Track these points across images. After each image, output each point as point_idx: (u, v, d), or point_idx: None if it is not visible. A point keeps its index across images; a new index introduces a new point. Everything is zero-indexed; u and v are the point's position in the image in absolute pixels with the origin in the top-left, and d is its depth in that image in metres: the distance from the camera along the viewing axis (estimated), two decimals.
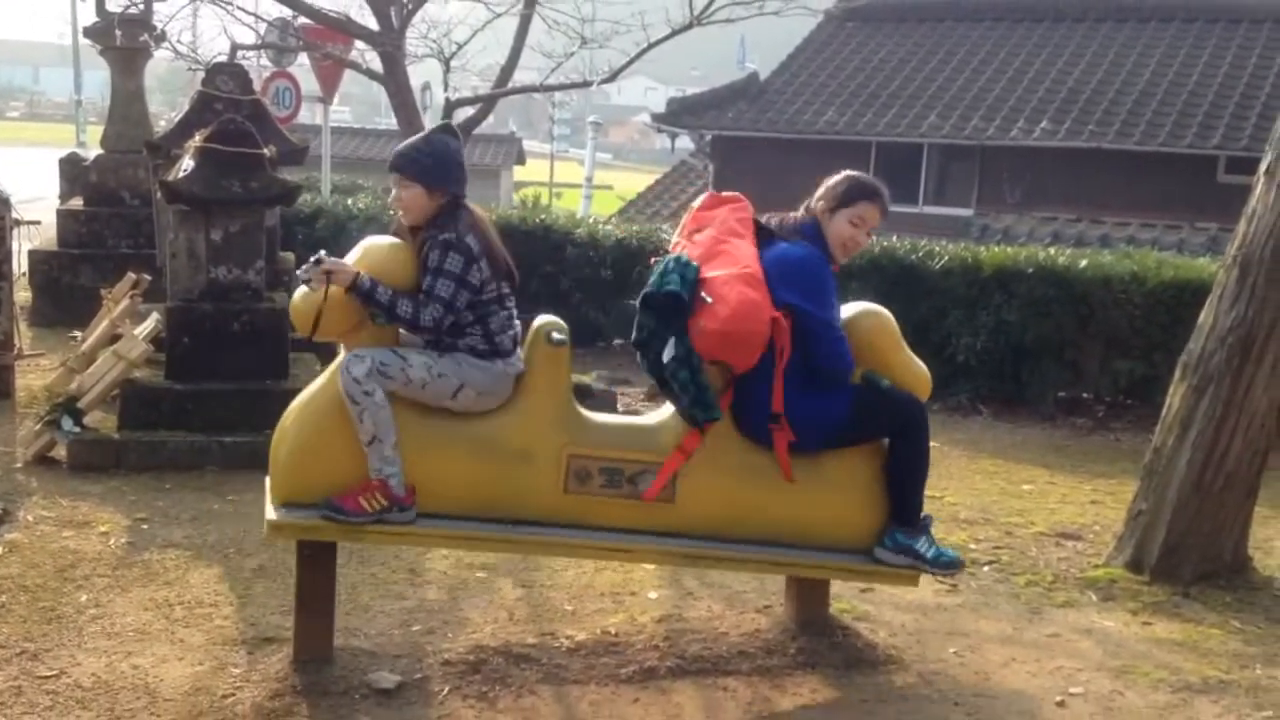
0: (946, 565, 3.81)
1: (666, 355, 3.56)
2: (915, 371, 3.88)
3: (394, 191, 3.63)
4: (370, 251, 3.58)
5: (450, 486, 3.55)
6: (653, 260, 3.80)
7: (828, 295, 3.69)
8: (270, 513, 3.52)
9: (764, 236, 3.80)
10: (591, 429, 3.69)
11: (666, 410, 3.77)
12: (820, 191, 3.84)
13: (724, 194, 3.94)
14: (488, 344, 3.57)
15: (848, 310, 3.91)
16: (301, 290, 3.49)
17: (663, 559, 3.89)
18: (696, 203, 3.95)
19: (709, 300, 3.55)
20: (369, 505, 3.43)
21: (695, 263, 3.65)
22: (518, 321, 3.69)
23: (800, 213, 3.88)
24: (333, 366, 3.58)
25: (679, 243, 3.84)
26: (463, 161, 3.70)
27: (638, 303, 3.67)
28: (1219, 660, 3.98)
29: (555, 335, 3.63)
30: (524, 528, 3.60)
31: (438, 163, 3.58)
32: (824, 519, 3.76)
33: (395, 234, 3.70)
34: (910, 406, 3.77)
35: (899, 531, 3.75)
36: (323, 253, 3.46)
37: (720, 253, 3.67)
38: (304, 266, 3.45)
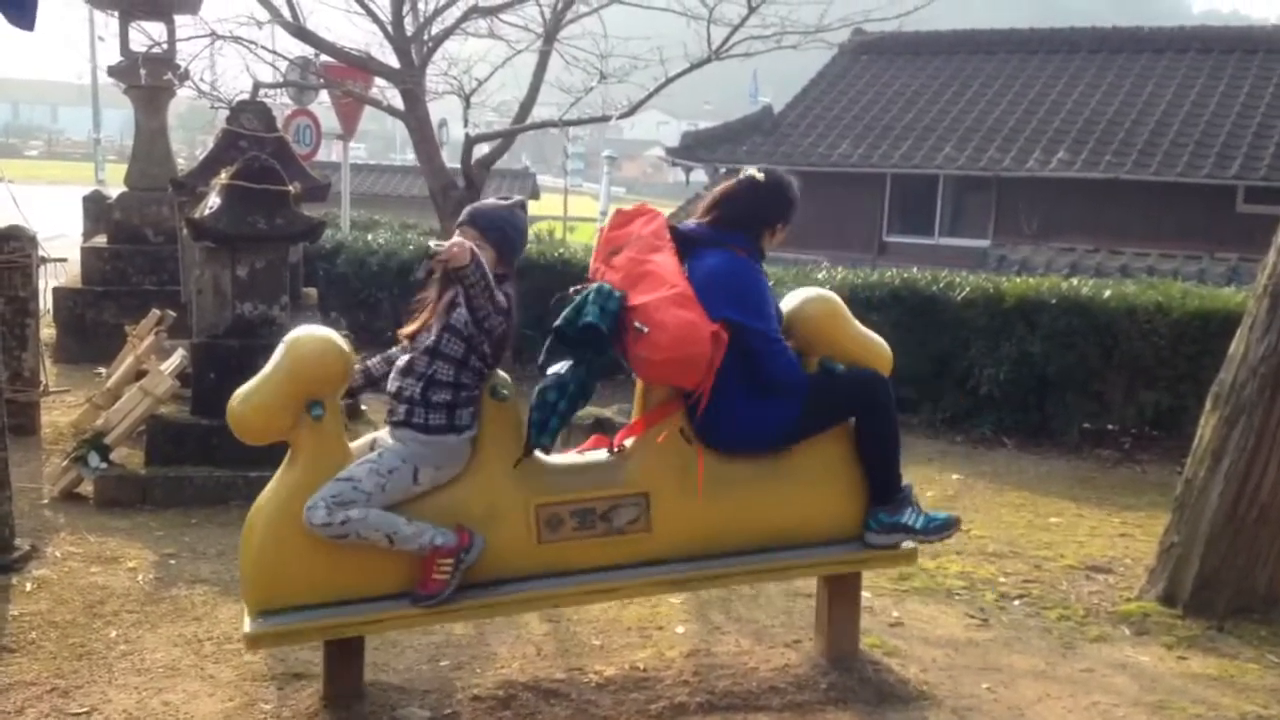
0: (940, 529, 3.75)
1: (551, 371, 3.52)
2: (873, 349, 3.81)
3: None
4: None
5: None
6: (572, 291, 3.60)
7: (764, 304, 3.62)
8: (246, 625, 3.36)
9: (685, 244, 3.70)
10: (555, 475, 3.62)
11: (627, 442, 3.72)
12: (762, 212, 3.73)
13: (632, 208, 3.83)
14: (445, 420, 3.41)
15: (792, 299, 3.81)
16: (245, 391, 3.35)
17: (650, 590, 3.82)
18: (605, 222, 3.80)
19: (645, 329, 3.44)
20: (442, 575, 3.38)
21: (619, 290, 3.53)
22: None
23: (707, 219, 3.75)
24: (280, 471, 3.45)
25: (597, 268, 3.70)
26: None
27: (551, 337, 3.55)
28: (1256, 695, 3.92)
29: (502, 391, 3.54)
30: (503, 587, 3.51)
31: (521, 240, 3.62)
32: (806, 515, 3.71)
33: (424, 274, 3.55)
34: (867, 384, 3.70)
35: (881, 511, 3.71)
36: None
37: (644, 274, 3.55)
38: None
